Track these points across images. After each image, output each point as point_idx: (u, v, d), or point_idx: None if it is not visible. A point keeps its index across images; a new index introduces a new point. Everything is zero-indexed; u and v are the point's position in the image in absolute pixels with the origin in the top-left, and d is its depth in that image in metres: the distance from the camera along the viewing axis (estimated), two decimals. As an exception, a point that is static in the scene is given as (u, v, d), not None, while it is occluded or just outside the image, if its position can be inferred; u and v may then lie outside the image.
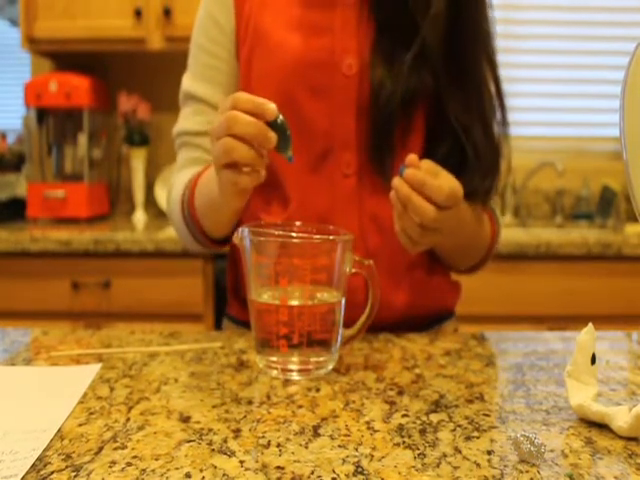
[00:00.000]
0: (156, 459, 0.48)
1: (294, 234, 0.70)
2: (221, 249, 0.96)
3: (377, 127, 0.85)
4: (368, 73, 0.85)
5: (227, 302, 1.03)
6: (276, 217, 0.89)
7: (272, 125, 0.69)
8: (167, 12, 2.12)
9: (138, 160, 2.36)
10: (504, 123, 0.90)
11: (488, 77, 0.89)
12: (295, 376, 0.67)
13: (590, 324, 0.59)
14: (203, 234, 0.91)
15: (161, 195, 2.37)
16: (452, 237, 0.85)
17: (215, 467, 0.47)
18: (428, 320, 0.95)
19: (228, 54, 0.93)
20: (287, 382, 0.66)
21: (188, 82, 0.95)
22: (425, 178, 0.73)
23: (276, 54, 0.87)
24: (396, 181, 0.74)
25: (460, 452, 0.50)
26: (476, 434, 0.53)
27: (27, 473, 0.46)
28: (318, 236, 0.69)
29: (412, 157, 0.74)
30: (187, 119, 0.96)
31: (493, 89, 0.89)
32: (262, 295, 0.67)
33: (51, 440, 0.51)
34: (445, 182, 0.74)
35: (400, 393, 0.63)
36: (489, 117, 0.88)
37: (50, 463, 0.47)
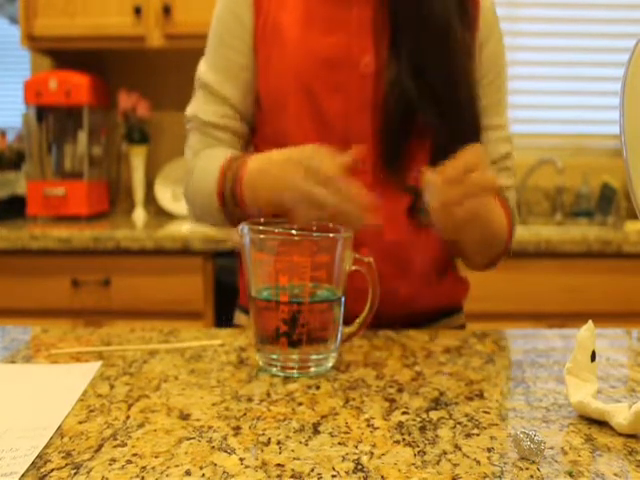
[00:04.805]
0: (156, 457, 0.48)
1: (294, 231, 0.70)
2: None
3: (392, 126, 0.85)
4: (385, 72, 0.85)
5: (238, 294, 1.02)
6: None
7: None
8: (167, 10, 2.12)
9: (138, 158, 2.35)
10: (506, 121, 0.91)
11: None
12: (295, 373, 0.67)
13: (590, 321, 0.59)
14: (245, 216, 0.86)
15: (161, 193, 2.37)
16: (480, 227, 0.82)
17: (215, 464, 0.47)
18: (435, 315, 0.95)
19: (247, 48, 0.92)
20: (287, 379, 0.66)
21: (203, 69, 0.95)
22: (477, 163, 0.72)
23: (294, 51, 0.87)
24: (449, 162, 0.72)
25: (460, 449, 0.50)
26: (476, 431, 0.53)
27: (27, 471, 0.46)
28: (318, 233, 0.69)
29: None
30: (199, 106, 0.95)
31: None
32: (262, 292, 0.67)
33: (51, 438, 0.51)
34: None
35: (400, 390, 0.63)
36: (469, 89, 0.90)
37: (50, 461, 0.47)
